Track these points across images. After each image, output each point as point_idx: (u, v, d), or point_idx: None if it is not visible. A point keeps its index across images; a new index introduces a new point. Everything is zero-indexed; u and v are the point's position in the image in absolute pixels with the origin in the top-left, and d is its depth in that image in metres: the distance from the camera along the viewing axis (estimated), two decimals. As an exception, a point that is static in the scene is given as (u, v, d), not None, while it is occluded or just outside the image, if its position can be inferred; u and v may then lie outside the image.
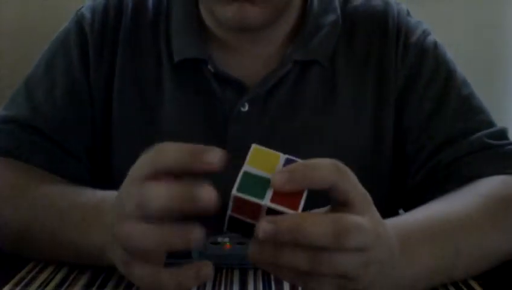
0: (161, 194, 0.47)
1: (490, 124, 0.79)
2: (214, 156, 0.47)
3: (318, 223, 0.47)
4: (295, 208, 0.48)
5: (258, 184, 0.48)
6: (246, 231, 0.49)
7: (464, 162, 0.75)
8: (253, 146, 0.51)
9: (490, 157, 0.75)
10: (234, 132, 0.79)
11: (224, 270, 0.64)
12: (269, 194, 0.48)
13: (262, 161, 0.50)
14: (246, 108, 0.79)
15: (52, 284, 0.61)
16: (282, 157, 0.51)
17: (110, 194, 0.60)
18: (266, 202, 0.48)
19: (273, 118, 0.80)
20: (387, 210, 0.62)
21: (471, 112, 0.79)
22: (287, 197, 0.48)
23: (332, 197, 0.50)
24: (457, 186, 0.72)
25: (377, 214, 0.52)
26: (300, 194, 0.48)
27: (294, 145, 0.79)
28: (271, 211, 0.48)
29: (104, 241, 0.56)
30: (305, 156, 0.78)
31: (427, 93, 0.80)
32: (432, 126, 0.79)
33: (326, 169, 0.49)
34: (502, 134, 0.78)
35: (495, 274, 0.65)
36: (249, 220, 0.49)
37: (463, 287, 0.61)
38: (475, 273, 0.64)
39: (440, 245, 0.60)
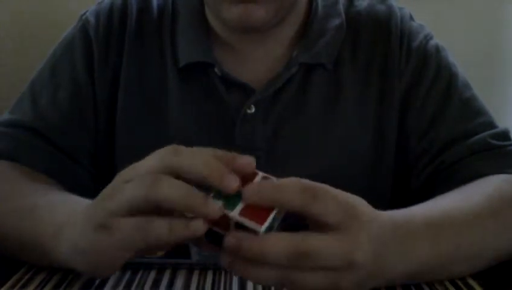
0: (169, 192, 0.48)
1: (492, 125, 0.80)
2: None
3: (279, 245, 0.48)
4: (261, 223, 0.48)
5: (232, 196, 0.49)
6: (220, 242, 0.50)
7: (467, 162, 0.76)
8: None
9: (493, 157, 0.76)
10: (240, 133, 0.79)
11: (223, 271, 0.64)
12: (239, 207, 0.49)
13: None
14: (252, 110, 0.79)
15: (49, 285, 0.60)
16: (259, 175, 0.52)
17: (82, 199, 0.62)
18: (235, 214, 0.49)
19: (278, 120, 0.80)
20: (390, 210, 0.62)
21: (473, 114, 0.80)
22: (255, 212, 0.49)
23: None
24: (461, 185, 0.73)
25: (362, 224, 0.51)
26: (269, 211, 0.49)
27: (299, 146, 0.80)
28: (239, 224, 0.49)
29: (61, 222, 0.57)
30: (309, 157, 0.79)
31: (429, 97, 0.81)
32: (434, 128, 0.79)
33: (294, 193, 0.49)
34: (504, 135, 0.79)
35: (495, 274, 0.65)
36: (220, 231, 0.49)
37: (463, 287, 0.61)
38: (475, 271, 0.64)
39: (441, 241, 0.60)
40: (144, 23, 0.84)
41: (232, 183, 0.49)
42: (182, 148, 0.51)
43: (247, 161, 0.51)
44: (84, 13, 0.86)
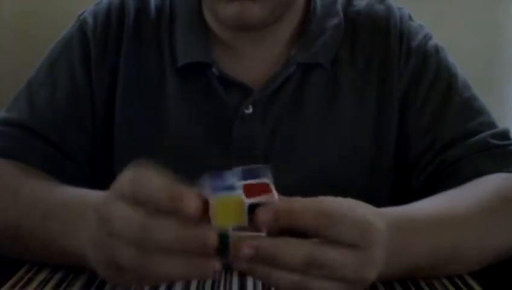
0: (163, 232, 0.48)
1: (492, 124, 0.80)
2: (191, 204, 0.48)
3: (295, 252, 0.49)
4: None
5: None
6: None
7: (468, 161, 0.76)
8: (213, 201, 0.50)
9: (494, 157, 0.76)
10: (238, 133, 0.79)
11: (223, 271, 0.64)
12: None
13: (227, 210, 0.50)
14: (250, 110, 0.79)
15: (50, 285, 0.60)
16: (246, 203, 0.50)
17: (92, 193, 0.61)
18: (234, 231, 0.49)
19: (276, 120, 0.80)
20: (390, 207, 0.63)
21: (474, 114, 0.80)
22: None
23: None
24: (462, 184, 0.73)
25: (377, 244, 0.51)
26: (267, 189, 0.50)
27: (297, 146, 0.80)
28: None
29: (84, 237, 0.55)
30: (308, 157, 0.79)
31: (429, 97, 0.81)
32: (435, 128, 0.80)
33: (309, 220, 0.49)
34: (504, 135, 0.79)
35: (495, 274, 0.65)
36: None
37: (463, 287, 0.61)
38: (474, 269, 0.64)
39: (440, 240, 0.61)
40: (141, 23, 0.84)
41: (190, 206, 0.48)
42: (141, 178, 0.49)
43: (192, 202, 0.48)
44: (82, 13, 0.86)
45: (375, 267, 0.52)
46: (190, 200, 0.47)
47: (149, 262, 0.48)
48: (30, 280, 0.61)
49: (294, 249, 0.49)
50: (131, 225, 0.48)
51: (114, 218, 0.49)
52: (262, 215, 0.49)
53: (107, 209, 0.50)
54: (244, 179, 0.51)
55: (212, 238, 0.47)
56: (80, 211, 0.59)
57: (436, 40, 0.85)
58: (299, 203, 0.50)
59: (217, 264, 0.48)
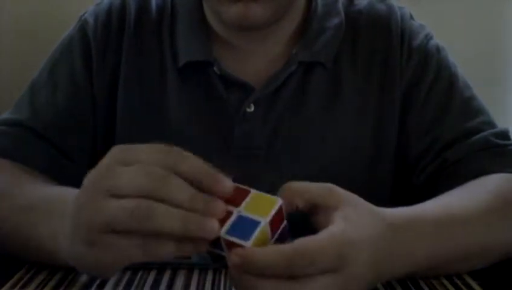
0: (167, 213, 0.48)
1: (492, 124, 0.80)
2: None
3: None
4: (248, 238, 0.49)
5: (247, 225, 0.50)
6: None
7: (470, 160, 0.76)
8: (252, 192, 0.52)
9: (496, 156, 0.76)
10: (240, 132, 0.79)
11: (223, 271, 0.64)
12: (228, 224, 0.50)
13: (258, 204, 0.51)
14: (252, 109, 0.79)
15: (50, 285, 0.60)
16: (279, 202, 0.52)
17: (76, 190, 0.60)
18: (223, 233, 0.49)
19: (277, 119, 0.80)
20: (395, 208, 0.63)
21: (474, 113, 0.80)
22: (243, 226, 0.50)
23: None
24: (463, 183, 0.73)
25: (354, 264, 0.51)
26: (256, 225, 0.50)
27: (298, 145, 0.80)
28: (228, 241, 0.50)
29: (61, 229, 0.55)
30: (309, 156, 0.79)
31: (430, 97, 0.81)
32: (435, 128, 0.80)
33: (280, 268, 0.49)
34: (504, 134, 0.80)
35: (495, 274, 0.65)
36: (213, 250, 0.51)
37: (462, 287, 0.61)
38: (475, 269, 0.64)
39: (442, 242, 0.61)
40: (142, 23, 0.84)
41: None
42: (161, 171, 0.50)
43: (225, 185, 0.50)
44: (83, 14, 0.86)
45: (356, 283, 0.52)
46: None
47: (151, 211, 0.48)
48: (30, 280, 0.61)
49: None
50: (137, 177, 0.49)
51: (114, 175, 0.50)
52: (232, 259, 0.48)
53: (102, 171, 0.52)
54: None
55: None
56: (58, 204, 0.59)
57: (436, 40, 0.86)
58: (270, 254, 0.49)
59: (215, 225, 0.48)
